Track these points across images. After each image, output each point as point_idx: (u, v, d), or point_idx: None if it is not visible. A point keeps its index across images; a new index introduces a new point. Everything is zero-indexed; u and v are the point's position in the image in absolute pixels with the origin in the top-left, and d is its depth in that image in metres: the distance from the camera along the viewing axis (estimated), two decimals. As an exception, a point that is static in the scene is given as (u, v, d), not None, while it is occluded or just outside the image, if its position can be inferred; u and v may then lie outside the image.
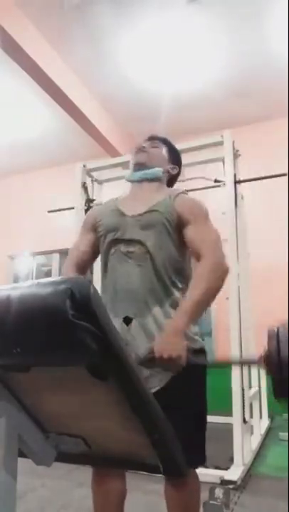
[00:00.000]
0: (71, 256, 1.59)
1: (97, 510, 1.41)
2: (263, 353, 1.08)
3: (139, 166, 1.56)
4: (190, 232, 1.41)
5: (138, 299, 1.36)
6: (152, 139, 1.64)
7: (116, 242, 1.45)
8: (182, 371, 1.26)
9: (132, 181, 1.59)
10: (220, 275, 1.33)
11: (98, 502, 1.41)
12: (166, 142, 1.65)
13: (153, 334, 1.32)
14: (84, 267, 1.58)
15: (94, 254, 1.57)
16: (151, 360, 1.22)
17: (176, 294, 1.39)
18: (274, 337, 1.06)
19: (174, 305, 1.36)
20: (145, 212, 1.44)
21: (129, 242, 1.42)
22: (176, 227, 1.42)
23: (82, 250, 1.57)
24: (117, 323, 1.34)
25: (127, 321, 1.35)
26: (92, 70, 4.70)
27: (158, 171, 1.57)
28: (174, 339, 1.22)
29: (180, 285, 1.41)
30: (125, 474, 1.45)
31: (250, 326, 3.39)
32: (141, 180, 1.56)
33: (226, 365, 1.34)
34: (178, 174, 1.68)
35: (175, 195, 1.48)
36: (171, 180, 1.67)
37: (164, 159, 1.61)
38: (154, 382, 1.28)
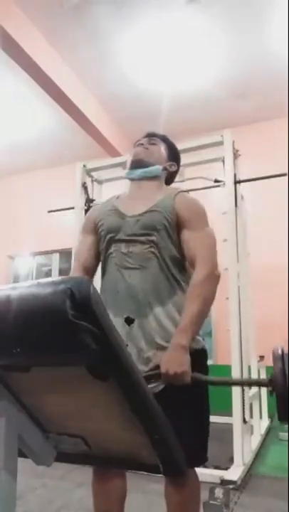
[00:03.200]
0: (77, 260, 1.57)
1: (98, 510, 1.41)
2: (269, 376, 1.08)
3: (137, 163, 1.55)
4: (187, 236, 1.41)
5: (139, 299, 1.35)
6: (151, 135, 1.63)
7: (116, 242, 1.45)
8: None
9: (131, 179, 1.58)
10: (214, 284, 1.35)
11: (98, 502, 1.41)
12: (164, 139, 1.64)
13: (153, 336, 1.32)
14: (91, 269, 1.57)
15: (99, 255, 1.56)
16: (157, 376, 1.24)
17: (179, 292, 1.39)
18: (279, 358, 1.05)
19: (176, 305, 1.36)
20: (145, 212, 1.44)
21: (130, 242, 1.42)
22: (176, 227, 1.42)
23: (87, 253, 1.56)
24: (119, 323, 1.34)
25: (129, 321, 1.35)
26: (92, 69, 4.70)
27: (157, 168, 1.56)
28: (178, 356, 1.23)
29: (182, 284, 1.40)
30: (126, 474, 1.45)
31: (250, 326, 3.39)
32: (140, 179, 1.55)
33: (229, 385, 1.33)
34: (176, 171, 1.68)
35: (175, 194, 1.47)
36: (170, 178, 1.67)
37: (163, 156, 1.60)
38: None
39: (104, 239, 1.48)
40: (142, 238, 1.41)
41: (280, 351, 1.06)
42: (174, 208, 1.43)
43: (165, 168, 1.60)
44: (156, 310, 1.35)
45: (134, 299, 1.36)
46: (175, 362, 1.22)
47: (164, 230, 1.41)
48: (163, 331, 1.33)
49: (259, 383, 1.31)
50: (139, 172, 1.55)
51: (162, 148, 1.61)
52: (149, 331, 1.33)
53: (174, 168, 1.64)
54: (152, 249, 1.39)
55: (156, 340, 1.33)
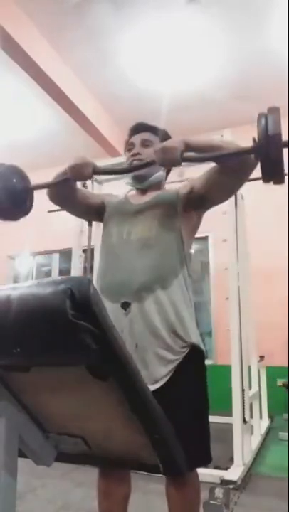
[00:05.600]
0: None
1: (102, 509, 1.41)
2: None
3: (138, 178, 1.52)
4: (201, 178, 1.41)
5: (140, 282, 1.33)
6: (140, 130, 1.56)
7: (119, 226, 1.46)
8: (183, 369, 1.27)
9: (137, 189, 1.59)
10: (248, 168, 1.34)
11: (103, 503, 1.41)
12: (157, 132, 1.57)
13: (153, 319, 1.30)
14: (83, 199, 1.63)
15: (90, 206, 1.61)
16: (148, 164, 1.33)
17: (182, 274, 1.37)
18: (263, 119, 1.08)
19: (180, 287, 1.35)
20: (151, 200, 1.47)
21: (133, 226, 1.42)
22: (183, 208, 1.42)
23: (89, 194, 1.67)
24: (115, 308, 1.32)
25: (125, 306, 1.33)
26: (92, 69, 4.70)
27: (160, 175, 1.55)
28: (172, 139, 1.31)
29: (185, 267, 1.39)
30: (130, 475, 1.45)
31: (250, 326, 3.39)
32: (145, 188, 1.56)
33: (216, 159, 1.35)
34: None
35: (176, 189, 1.49)
36: (168, 171, 1.65)
37: None
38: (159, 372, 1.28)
39: (108, 221, 1.52)
40: (145, 223, 1.41)
41: (265, 112, 1.12)
42: (178, 192, 1.45)
43: (165, 168, 1.58)
44: (157, 293, 1.32)
45: (134, 283, 1.33)
46: (167, 142, 1.28)
47: (168, 215, 1.41)
48: (165, 315, 1.30)
49: (245, 151, 1.28)
50: (144, 185, 1.54)
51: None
52: (148, 316, 1.30)
53: None
54: (156, 231, 1.39)
55: (159, 326, 1.30)
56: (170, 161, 1.29)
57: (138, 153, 1.51)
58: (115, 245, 1.44)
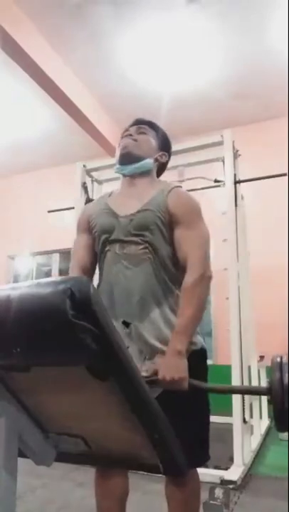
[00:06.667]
0: (74, 259, 1.54)
1: (100, 508, 1.41)
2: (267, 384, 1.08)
3: (126, 156, 1.48)
4: (178, 235, 1.37)
5: (135, 301, 1.33)
6: (138, 123, 1.56)
7: (110, 243, 1.42)
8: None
9: (122, 175, 1.53)
10: (206, 286, 1.33)
11: (101, 502, 1.41)
12: (153, 126, 1.56)
13: (149, 339, 1.31)
14: (89, 268, 1.53)
15: (95, 253, 1.52)
16: (154, 382, 1.23)
17: (176, 292, 1.36)
18: (278, 367, 1.04)
19: (173, 306, 1.35)
20: (138, 212, 1.40)
21: (124, 243, 1.39)
22: (169, 225, 1.38)
23: (83, 252, 1.52)
24: (117, 326, 1.32)
25: (125, 324, 1.34)
26: (92, 69, 4.70)
27: (148, 163, 1.50)
28: (175, 361, 1.22)
29: (178, 283, 1.37)
30: (128, 474, 1.45)
31: (250, 326, 3.39)
32: (131, 175, 1.50)
33: (227, 393, 1.33)
34: (168, 161, 1.62)
35: (168, 191, 1.42)
36: (162, 168, 1.61)
37: (153, 147, 1.53)
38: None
39: (99, 240, 1.45)
40: (136, 239, 1.37)
41: (278, 359, 1.05)
42: (166, 205, 1.38)
43: (156, 160, 1.54)
44: (152, 313, 1.33)
45: (130, 302, 1.34)
46: (172, 368, 1.20)
47: (158, 229, 1.37)
48: (160, 334, 1.32)
49: (258, 392, 1.31)
50: (129, 168, 1.49)
51: (152, 138, 1.54)
52: (145, 336, 1.31)
53: (165, 159, 1.58)
54: (147, 250, 1.36)
55: (155, 344, 1.31)
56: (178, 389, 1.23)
57: (131, 135, 1.51)
58: (109, 260, 1.42)
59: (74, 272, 1.50)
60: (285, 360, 1.06)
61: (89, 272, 1.53)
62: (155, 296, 1.34)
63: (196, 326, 1.32)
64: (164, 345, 1.30)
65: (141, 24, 4.05)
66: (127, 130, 1.55)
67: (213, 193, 3.42)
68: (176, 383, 1.19)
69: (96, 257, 1.51)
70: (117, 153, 1.52)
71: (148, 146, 1.51)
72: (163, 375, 1.19)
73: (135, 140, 1.50)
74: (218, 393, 1.26)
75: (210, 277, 1.34)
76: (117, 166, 1.53)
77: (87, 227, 1.51)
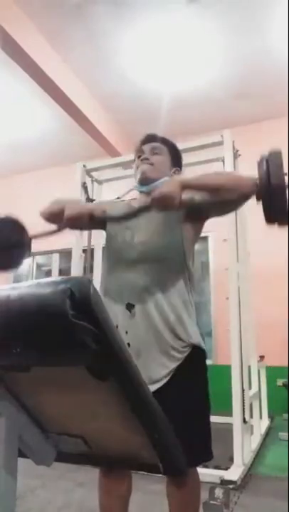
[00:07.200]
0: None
1: (103, 507, 1.42)
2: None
3: (145, 180, 1.54)
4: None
5: (141, 285, 1.36)
6: (150, 140, 1.60)
7: (123, 229, 1.48)
8: (184, 368, 1.28)
9: (140, 192, 1.60)
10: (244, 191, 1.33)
11: (104, 501, 1.42)
12: (166, 143, 1.62)
13: (154, 320, 1.33)
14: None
15: (93, 223, 1.59)
16: (147, 208, 1.32)
17: (181, 280, 1.39)
18: (264, 164, 1.07)
19: (178, 294, 1.37)
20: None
21: (136, 230, 1.44)
22: (185, 218, 1.43)
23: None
24: (120, 309, 1.36)
25: (130, 307, 1.36)
26: (92, 69, 4.70)
27: (164, 181, 1.53)
28: (169, 181, 1.32)
29: (184, 273, 1.41)
30: (131, 475, 1.46)
31: (250, 326, 3.39)
32: (149, 192, 1.55)
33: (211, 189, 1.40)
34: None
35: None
36: None
37: (167, 166, 1.59)
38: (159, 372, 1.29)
39: (112, 227, 1.52)
40: (149, 229, 1.43)
41: (265, 156, 1.10)
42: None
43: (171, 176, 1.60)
44: (157, 296, 1.35)
45: (137, 287, 1.36)
46: (164, 185, 1.29)
47: (171, 222, 1.42)
48: (164, 316, 1.33)
49: (244, 196, 1.35)
50: (147, 188, 1.54)
51: (165, 156, 1.60)
52: (151, 318, 1.33)
53: (178, 173, 1.64)
54: (157, 241, 1.41)
55: (163, 335, 1.32)
56: (168, 208, 1.29)
57: (147, 158, 1.56)
58: (119, 248, 1.47)
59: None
60: (272, 157, 1.10)
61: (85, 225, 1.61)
62: (161, 281, 1.38)
63: (204, 185, 1.35)
64: (169, 329, 1.33)
65: (141, 24, 4.06)
66: (140, 150, 1.59)
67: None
68: (167, 198, 1.25)
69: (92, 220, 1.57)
70: (137, 177, 1.59)
71: (164, 167, 1.58)
72: (154, 193, 1.27)
73: (152, 164, 1.55)
74: (208, 205, 1.34)
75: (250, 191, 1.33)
76: (136, 184, 1.60)
77: (101, 212, 1.57)
